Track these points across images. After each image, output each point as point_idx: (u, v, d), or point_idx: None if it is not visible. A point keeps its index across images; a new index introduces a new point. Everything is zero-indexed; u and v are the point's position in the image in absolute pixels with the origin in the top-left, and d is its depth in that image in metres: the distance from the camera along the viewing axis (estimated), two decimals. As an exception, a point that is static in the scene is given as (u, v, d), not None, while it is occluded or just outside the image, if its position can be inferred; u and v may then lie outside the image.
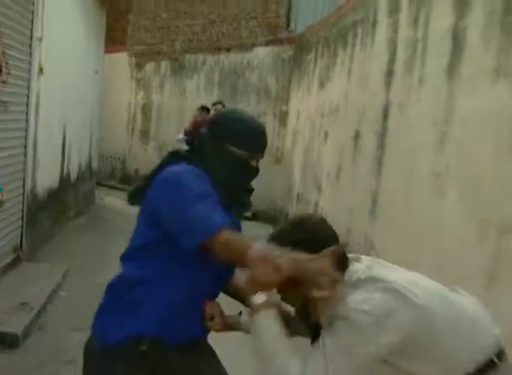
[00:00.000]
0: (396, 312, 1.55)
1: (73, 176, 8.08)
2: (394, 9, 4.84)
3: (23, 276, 5.13)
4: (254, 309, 1.62)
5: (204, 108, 8.62)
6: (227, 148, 1.88)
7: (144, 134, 12.73)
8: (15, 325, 3.98)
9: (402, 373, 1.63)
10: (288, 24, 10.26)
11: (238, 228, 1.95)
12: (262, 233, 7.69)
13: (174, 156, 2.02)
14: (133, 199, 2.05)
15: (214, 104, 8.62)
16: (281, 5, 10.18)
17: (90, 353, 1.95)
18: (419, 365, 1.63)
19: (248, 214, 10.18)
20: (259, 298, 1.62)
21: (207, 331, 2.02)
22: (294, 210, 8.60)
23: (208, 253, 1.75)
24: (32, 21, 5.27)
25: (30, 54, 5.32)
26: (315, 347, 1.59)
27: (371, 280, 1.62)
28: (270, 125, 10.12)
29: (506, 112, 2.94)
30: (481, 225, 3.07)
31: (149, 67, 12.63)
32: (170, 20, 12.11)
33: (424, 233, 3.82)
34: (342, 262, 1.66)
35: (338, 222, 6.04)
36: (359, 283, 1.62)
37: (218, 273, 1.95)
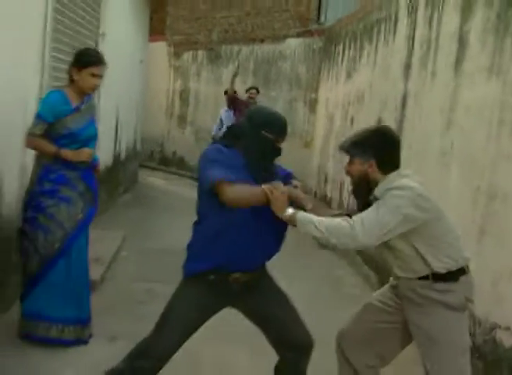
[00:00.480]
0: (427, 200, 2.53)
1: (123, 156, 8.96)
2: (412, 10, 5.56)
3: (90, 238, 6.00)
4: (292, 216, 2.56)
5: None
6: (262, 133, 2.72)
7: (182, 119, 13.59)
8: (92, 273, 4.82)
9: (419, 256, 2.57)
10: (318, 17, 10.98)
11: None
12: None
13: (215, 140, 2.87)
14: None
15: (248, 89, 9.85)
16: (312, -2, 10.91)
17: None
18: (429, 249, 2.57)
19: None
20: (289, 210, 2.57)
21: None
22: (322, 190, 9.38)
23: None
24: (98, 20, 6.11)
25: (96, 47, 6.15)
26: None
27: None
28: (300, 111, 10.92)
29: (496, 103, 3.67)
30: (475, 191, 3.83)
31: (187, 56, 13.46)
32: (207, 12, 12.90)
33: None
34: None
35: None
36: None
37: (266, 217, 2.70)
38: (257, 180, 2.67)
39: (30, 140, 3.58)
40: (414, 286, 2.62)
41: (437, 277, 2.55)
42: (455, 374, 2.60)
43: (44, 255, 3.62)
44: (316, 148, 10.21)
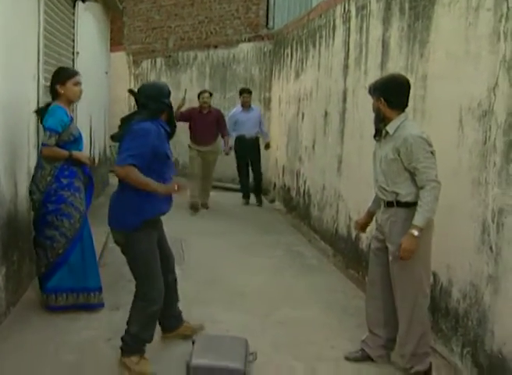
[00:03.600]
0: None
1: (97, 160, 9.71)
2: (346, 19, 6.52)
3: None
4: (419, 230, 3.46)
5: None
6: (170, 101, 3.76)
7: (145, 124, 14.33)
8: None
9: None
10: (267, 22, 11.91)
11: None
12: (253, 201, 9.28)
13: (134, 114, 3.79)
14: (115, 139, 3.79)
15: (200, 93, 9.60)
16: (260, 6, 11.83)
17: (123, 238, 3.70)
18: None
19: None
20: (415, 232, 3.46)
21: None
22: (281, 181, 10.32)
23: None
24: (73, 41, 6.90)
25: (73, 64, 6.94)
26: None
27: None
28: (257, 109, 11.83)
29: (411, 95, 4.62)
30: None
31: (145, 64, 14.22)
32: (162, 21, 13.70)
33: (371, 180, 5.50)
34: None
35: (315, 182, 7.78)
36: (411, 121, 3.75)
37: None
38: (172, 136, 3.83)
39: (48, 149, 4.39)
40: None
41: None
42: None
43: (69, 237, 4.48)
44: (273, 141, 11.13)
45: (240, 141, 9.97)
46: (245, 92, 10.09)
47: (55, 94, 4.57)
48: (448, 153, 3.92)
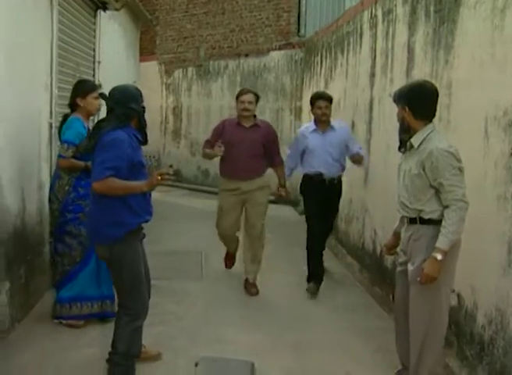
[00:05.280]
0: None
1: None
2: (373, 24, 6.26)
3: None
4: (443, 253, 3.16)
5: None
6: (143, 105, 3.58)
7: (176, 134, 14.28)
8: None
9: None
10: (298, 30, 11.70)
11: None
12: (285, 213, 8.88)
13: (103, 121, 3.53)
14: (85, 150, 3.65)
15: (239, 94, 5.66)
16: (292, 13, 11.63)
17: (107, 252, 3.47)
18: None
19: (272, 198, 11.60)
20: (438, 256, 3.15)
21: None
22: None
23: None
24: (94, 50, 6.80)
25: (93, 74, 6.85)
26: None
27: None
28: (287, 119, 11.61)
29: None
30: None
31: (177, 73, 14.17)
32: (194, 30, 13.64)
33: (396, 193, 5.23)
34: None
35: (343, 195, 7.48)
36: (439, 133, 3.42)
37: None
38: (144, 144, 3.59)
39: (65, 161, 4.39)
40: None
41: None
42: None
43: (86, 246, 4.42)
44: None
45: (312, 181, 5.93)
46: (321, 99, 5.87)
47: (73, 106, 4.52)
48: (473, 166, 3.63)
